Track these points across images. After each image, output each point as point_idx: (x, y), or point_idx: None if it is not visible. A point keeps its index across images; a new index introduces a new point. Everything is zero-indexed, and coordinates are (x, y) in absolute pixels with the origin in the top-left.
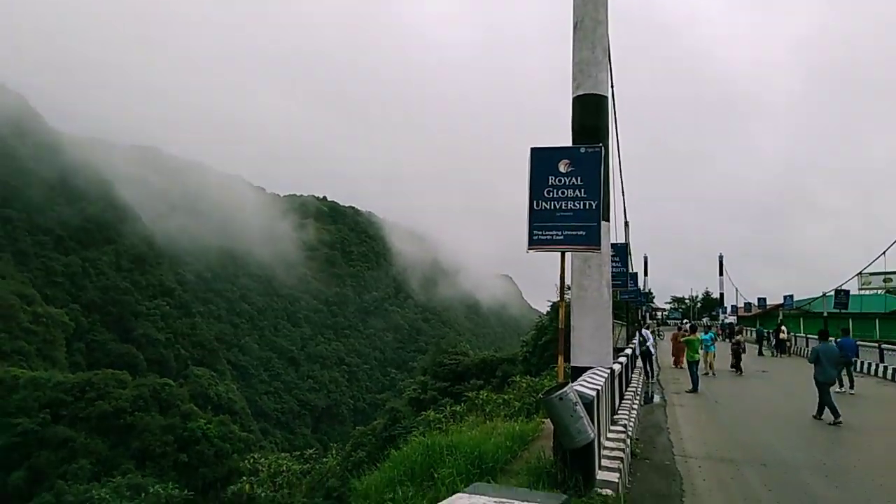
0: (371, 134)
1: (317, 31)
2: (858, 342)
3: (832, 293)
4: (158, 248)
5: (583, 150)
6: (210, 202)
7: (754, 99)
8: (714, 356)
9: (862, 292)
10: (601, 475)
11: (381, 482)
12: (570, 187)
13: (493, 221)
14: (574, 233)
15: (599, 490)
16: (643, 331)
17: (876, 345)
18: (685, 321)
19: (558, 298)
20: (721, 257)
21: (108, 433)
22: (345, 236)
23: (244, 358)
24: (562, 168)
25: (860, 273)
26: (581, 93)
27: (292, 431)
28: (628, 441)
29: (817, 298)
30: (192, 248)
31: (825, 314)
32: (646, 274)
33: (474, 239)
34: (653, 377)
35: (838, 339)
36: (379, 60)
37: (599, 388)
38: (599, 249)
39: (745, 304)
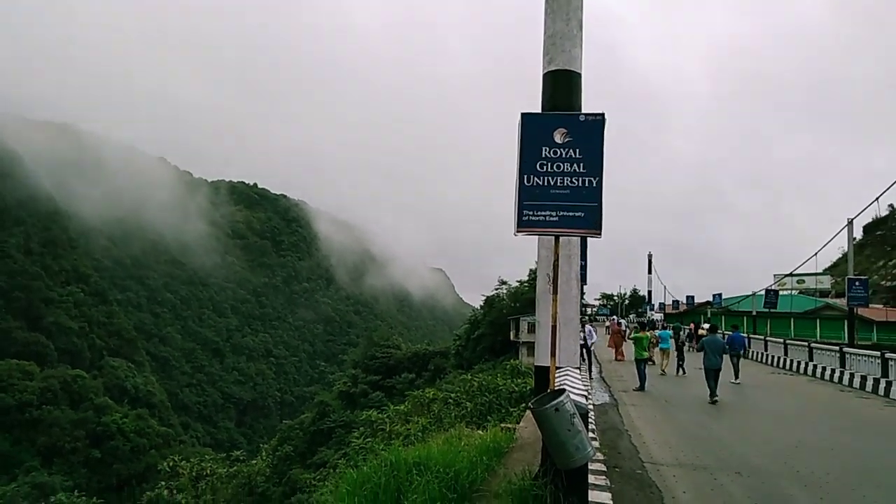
0: (302, 122)
1: (242, 17)
2: (787, 341)
3: (762, 292)
4: (73, 231)
5: (582, 117)
6: (131, 184)
7: (667, 102)
8: (668, 354)
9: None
10: (593, 496)
11: None
12: (567, 161)
13: (426, 214)
14: (571, 214)
15: None
16: (587, 326)
17: (805, 343)
18: (613, 317)
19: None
20: (650, 256)
21: (11, 429)
22: (275, 225)
23: (165, 349)
24: (558, 138)
25: (791, 274)
26: (553, 68)
27: (215, 425)
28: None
29: (747, 297)
30: (111, 233)
31: (754, 312)
32: None
33: (406, 231)
34: (591, 374)
35: (728, 334)
36: (302, 45)
37: (586, 393)
38: (600, 234)
39: (672, 301)
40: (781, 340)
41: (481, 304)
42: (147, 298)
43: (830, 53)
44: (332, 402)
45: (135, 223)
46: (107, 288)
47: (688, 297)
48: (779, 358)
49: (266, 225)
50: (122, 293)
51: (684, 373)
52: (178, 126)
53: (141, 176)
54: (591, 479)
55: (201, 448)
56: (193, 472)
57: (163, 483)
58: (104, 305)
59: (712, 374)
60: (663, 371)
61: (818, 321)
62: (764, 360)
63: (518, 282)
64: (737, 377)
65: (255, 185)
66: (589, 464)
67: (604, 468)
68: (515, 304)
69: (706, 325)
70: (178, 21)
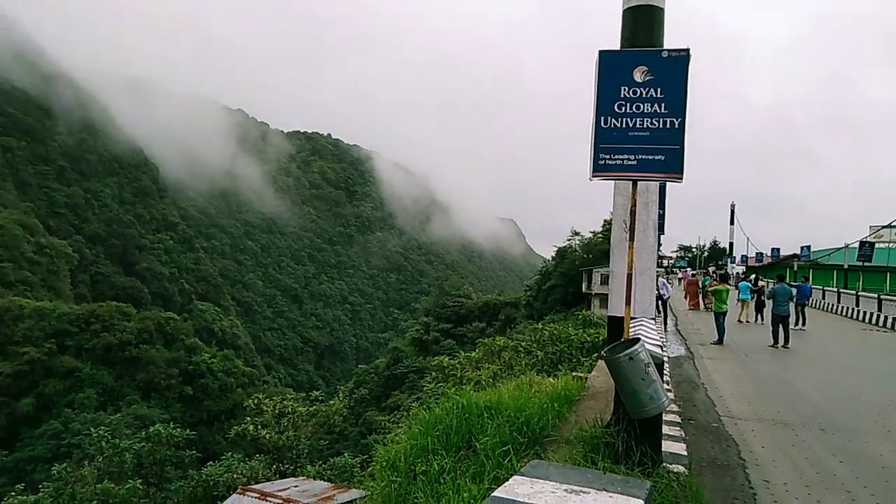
0: (369, 72)
1: None
2: (882, 296)
3: (855, 245)
4: (161, 182)
5: (665, 53)
6: (213, 137)
7: (740, 43)
8: (748, 304)
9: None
10: (667, 446)
11: (412, 450)
12: (647, 101)
13: (499, 164)
14: (651, 157)
15: (668, 465)
16: (660, 279)
17: None
18: (686, 269)
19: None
20: (733, 206)
21: (114, 364)
22: (349, 175)
23: (248, 294)
24: (637, 77)
25: (890, 225)
26: (634, 4)
27: (295, 367)
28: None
29: (838, 250)
30: (195, 183)
31: (846, 266)
32: None
33: (478, 182)
34: (666, 327)
35: (798, 283)
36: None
37: (662, 343)
38: (681, 178)
39: (756, 254)
40: (875, 296)
41: (553, 255)
42: (230, 246)
43: None
44: (405, 348)
45: (216, 173)
46: (193, 236)
47: (773, 249)
48: (872, 314)
49: (340, 175)
50: (208, 241)
51: (762, 321)
52: (254, 80)
53: (223, 129)
54: (665, 429)
55: (283, 388)
56: (276, 410)
57: (248, 419)
58: (192, 252)
59: (779, 321)
60: (745, 321)
61: None
62: (855, 317)
63: (591, 233)
64: (804, 324)
65: (329, 135)
66: (663, 415)
67: (678, 420)
68: (588, 255)
69: (774, 279)
70: None
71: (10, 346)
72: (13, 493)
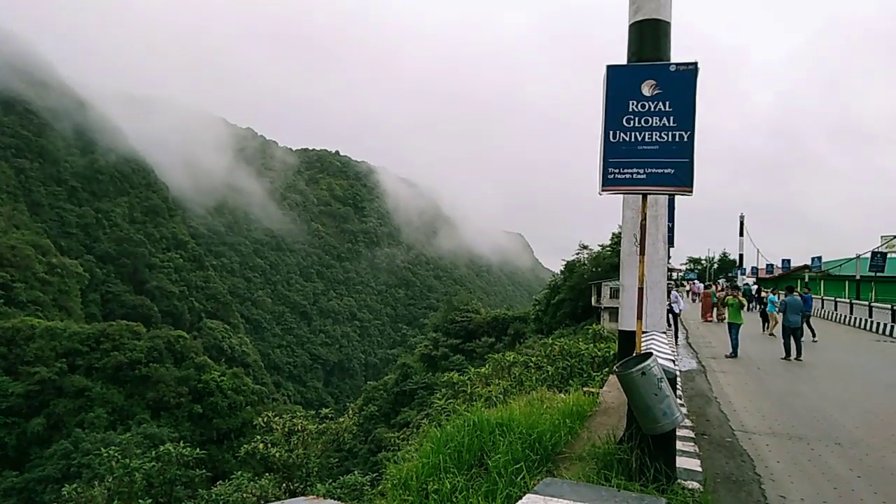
0: (373, 88)
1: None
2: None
3: (867, 255)
4: (171, 201)
5: (673, 67)
6: (221, 154)
7: (743, 54)
8: (774, 317)
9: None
10: (681, 462)
11: (423, 468)
12: (656, 114)
13: (506, 178)
14: (660, 171)
15: (682, 482)
16: (672, 292)
17: None
18: (695, 281)
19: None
20: (742, 217)
21: (124, 384)
22: (357, 191)
23: (257, 312)
24: (646, 91)
25: None
26: (640, 18)
27: (304, 384)
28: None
29: (850, 260)
30: (205, 201)
31: (858, 277)
32: None
33: (484, 196)
34: (677, 340)
35: (801, 294)
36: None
37: (674, 357)
38: (691, 191)
39: (766, 265)
40: (889, 307)
41: (561, 268)
42: (239, 264)
43: None
44: (414, 364)
45: (225, 190)
46: (203, 254)
47: (783, 260)
48: (885, 325)
49: (348, 191)
50: (217, 259)
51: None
52: (263, 99)
53: (232, 146)
54: (679, 445)
55: (292, 405)
56: (286, 428)
57: (258, 437)
58: (201, 271)
59: (790, 332)
60: (771, 333)
61: None
62: (868, 328)
63: (600, 246)
64: (814, 336)
65: (338, 152)
66: (676, 430)
67: (692, 435)
68: (597, 268)
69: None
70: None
71: (22, 365)
72: None
